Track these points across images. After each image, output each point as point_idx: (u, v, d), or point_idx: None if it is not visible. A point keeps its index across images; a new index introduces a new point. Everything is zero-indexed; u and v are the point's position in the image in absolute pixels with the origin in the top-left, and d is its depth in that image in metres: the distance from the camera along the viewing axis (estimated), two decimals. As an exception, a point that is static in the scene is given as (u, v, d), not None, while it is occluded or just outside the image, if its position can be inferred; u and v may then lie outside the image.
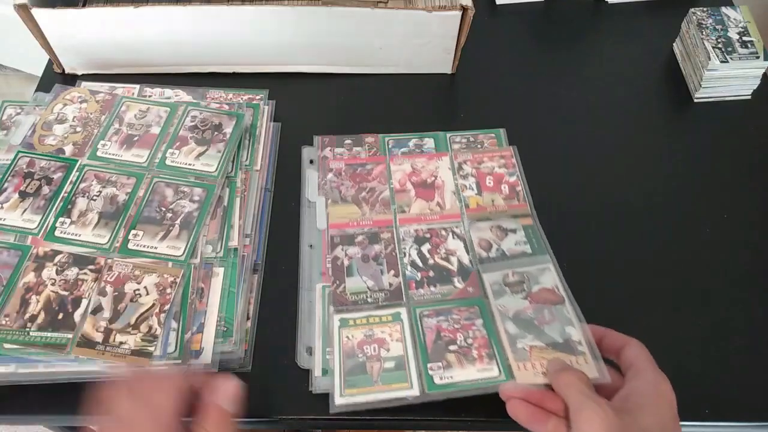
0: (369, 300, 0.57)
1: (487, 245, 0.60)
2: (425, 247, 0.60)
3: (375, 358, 0.53)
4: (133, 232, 0.59)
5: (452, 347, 0.53)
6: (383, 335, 0.54)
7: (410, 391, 0.50)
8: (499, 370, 0.51)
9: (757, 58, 0.71)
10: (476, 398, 0.50)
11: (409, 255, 0.59)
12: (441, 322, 0.54)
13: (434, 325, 0.54)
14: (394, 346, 0.53)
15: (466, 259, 0.59)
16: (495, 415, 0.51)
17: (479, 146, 0.69)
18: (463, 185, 0.64)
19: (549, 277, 0.57)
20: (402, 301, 0.56)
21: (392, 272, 0.58)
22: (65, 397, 0.53)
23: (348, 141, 0.69)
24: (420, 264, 0.59)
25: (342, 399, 0.50)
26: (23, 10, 0.68)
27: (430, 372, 0.51)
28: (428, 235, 0.61)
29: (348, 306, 0.56)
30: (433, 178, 0.65)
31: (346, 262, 0.59)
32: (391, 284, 0.57)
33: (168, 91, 0.72)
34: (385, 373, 0.52)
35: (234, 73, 0.77)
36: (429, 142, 0.69)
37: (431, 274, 0.58)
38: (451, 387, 0.51)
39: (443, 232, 0.61)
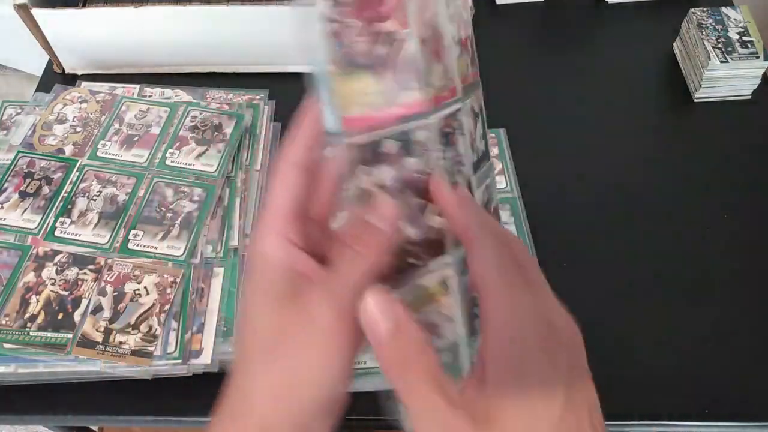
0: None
1: None
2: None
3: None
4: (133, 232, 0.59)
5: None
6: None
7: None
8: None
9: (757, 58, 0.71)
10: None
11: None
12: None
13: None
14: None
15: None
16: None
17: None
18: None
19: None
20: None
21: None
22: (65, 397, 0.53)
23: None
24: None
25: None
26: (23, 10, 0.68)
27: None
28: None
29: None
30: None
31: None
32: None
33: (168, 91, 0.72)
34: None
35: (234, 73, 0.77)
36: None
37: None
38: None
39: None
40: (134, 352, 0.52)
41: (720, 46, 0.72)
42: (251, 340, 0.30)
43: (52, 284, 0.55)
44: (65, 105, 0.68)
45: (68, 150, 0.64)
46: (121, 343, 0.52)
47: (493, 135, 0.69)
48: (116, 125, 0.66)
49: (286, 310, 0.29)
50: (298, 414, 0.29)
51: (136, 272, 0.56)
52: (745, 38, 0.73)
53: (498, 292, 0.27)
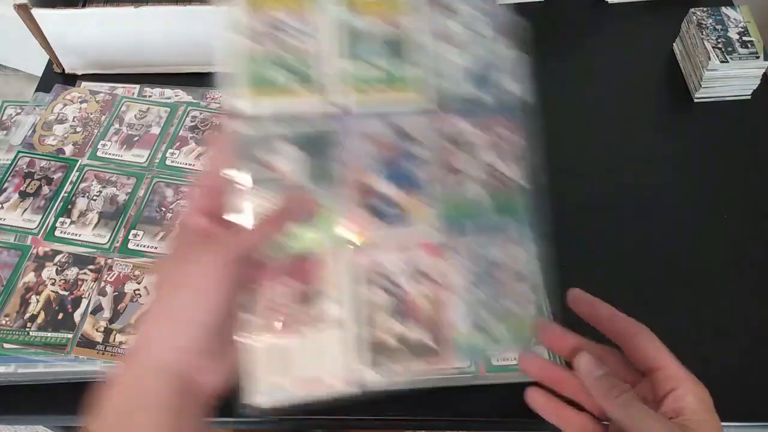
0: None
1: None
2: None
3: None
4: (133, 232, 0.59)
5: None
6: None
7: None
8: None
9: (757, 58, 0.71)
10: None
11: None
12: None
13: None
14: None
15: None
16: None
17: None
18: None
19: None
20: None
21: None
22: (65, 397, 0.53)
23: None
24: None
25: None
26: (23, 10, 0.68)
27: None
28: None
29: None
30: None
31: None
32: None
33: (168, 91, 0.72)
34: None
35: (234, 73, 0.77)
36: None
37: None
38: None
39: None
40: (134, 352, 0.52)
41: (720, 46, 0.72)
42: (156, 291, 0.39)
43: (52, 284, 0.55)
44: (65, 105, 0.68)
45: (68, 150, 0.64)
46: (121, 343, 0.52)
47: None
48: (116, 125, 0.66)
49: (177, 268, 0.38)
50: (179, 345, 0.36)
51: (136, 272, 0.56)
52: (745, 38, 0.73)
53: (677, 365, 0.42)
